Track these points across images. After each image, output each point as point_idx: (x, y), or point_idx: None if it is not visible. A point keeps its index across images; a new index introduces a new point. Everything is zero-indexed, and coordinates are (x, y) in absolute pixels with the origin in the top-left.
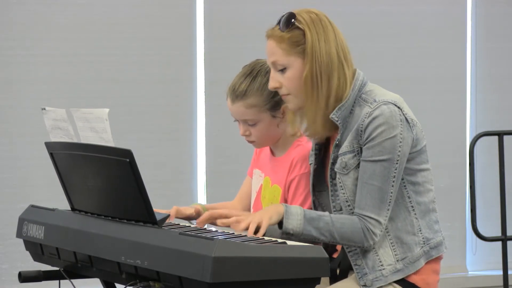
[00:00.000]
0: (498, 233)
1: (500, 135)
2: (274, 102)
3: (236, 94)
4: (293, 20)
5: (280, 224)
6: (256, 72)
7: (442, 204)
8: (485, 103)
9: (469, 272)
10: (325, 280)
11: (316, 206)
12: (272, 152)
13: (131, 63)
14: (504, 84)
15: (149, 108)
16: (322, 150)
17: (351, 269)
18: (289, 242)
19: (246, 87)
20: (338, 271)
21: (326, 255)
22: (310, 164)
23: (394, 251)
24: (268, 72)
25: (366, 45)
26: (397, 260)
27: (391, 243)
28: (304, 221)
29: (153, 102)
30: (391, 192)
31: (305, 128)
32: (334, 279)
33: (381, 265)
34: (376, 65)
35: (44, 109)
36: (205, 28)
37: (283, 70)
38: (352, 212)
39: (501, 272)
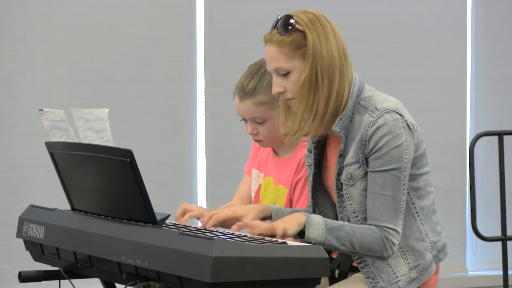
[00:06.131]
0: (498, 233)
1: (500, 135)
2: None
3: (245, 92)
4: (291, 22)
5: (300, 233)
6: (264, 70)
7: (442, 204)
8: (485, 103)
9: (469, 272)
10: (325, 280)
11: (314, 207)
12: (275, 153)
13: (131, 63)
14: (504, 84)
15: (149, 108)
16: (320, 153)
17: (351, 270)
18: (289, 242)
19: (254, 85)
20: (337, 272)
21: (326, 255)
22: (309, 165)
23: (406, 260)
24: None
25: (365, 45)
26: (411, 269)
27: (402, 252)
28: (326, 231)
29: (153, 102)
30: (403, 200)
31: (296, 128)
32: (333, 280)
33: (396, 276)
34: (376, 65)
35: (42, 110)
36: (205, 28)
37: (286, 75)
38: (360, 223)
39: (501, 272)
